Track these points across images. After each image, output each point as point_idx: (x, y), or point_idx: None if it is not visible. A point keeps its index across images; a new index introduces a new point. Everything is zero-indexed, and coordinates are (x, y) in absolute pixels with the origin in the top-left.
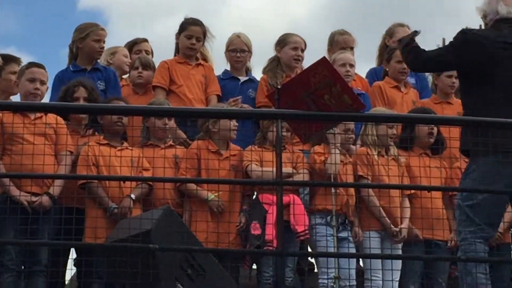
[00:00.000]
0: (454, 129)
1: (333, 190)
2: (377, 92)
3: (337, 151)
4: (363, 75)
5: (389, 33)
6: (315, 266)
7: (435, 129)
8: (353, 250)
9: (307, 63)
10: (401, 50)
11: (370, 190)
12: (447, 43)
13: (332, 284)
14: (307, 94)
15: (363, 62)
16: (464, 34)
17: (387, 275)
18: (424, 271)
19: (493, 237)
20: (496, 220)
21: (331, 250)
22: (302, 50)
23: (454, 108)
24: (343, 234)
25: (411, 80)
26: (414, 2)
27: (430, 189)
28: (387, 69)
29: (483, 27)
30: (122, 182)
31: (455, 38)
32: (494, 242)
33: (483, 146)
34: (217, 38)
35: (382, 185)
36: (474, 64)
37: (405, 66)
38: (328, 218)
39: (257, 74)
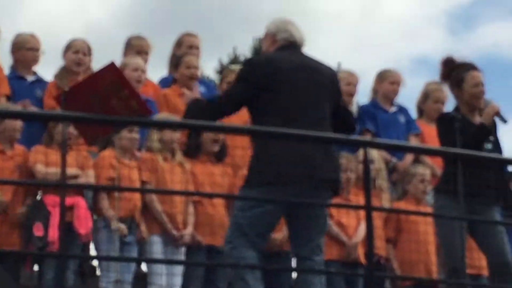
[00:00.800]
0: (239, 137)
1: (116, 194)
2: (162, 100)
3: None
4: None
5: (178, 43)
6: (97, 269)
7: (220, 136)
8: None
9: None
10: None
11: (153, 195)
12: (238, 51)
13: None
14: (94, 98)
15: (161, 67)
16: (248, 62)
17: (168, 280)
18: (206, 276)
19: (263, 247)
20: (268, 232)
21: (114, 253)
22: (84, 54)
23: (241, 116)
24: (129, 238)
25: (201, 89)
26: (210, 11)
27: (212, 195)
28: (175, 77)
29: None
30: None
31: (240, 70)
32: (273, 249)
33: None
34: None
35: (165, 190)
36: (261, 87)
37: (192, 71)
38: (113, 222)
39: (48, 75)
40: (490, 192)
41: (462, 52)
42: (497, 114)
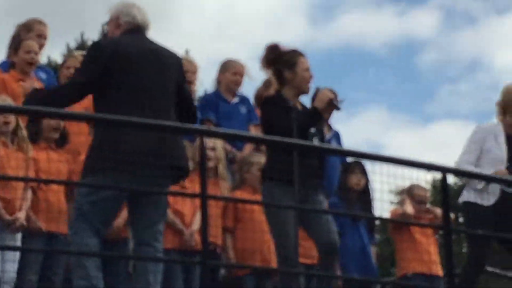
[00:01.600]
0: (77, 123)
1: None
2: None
3: None
4: None
5: (27, 27)
6: None
7: (61, 123)
8: None
9: None
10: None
11: None
12: (85, 36)
13: None
14: None
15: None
16: (96, 45)
17: (4, 266)
18: (43, 263)
19: (105, 234)
20: (110, 218)
21: None
22: None
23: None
24: None
25: (42, 75)
26: None
27: (49, 182)
28: (14, 61)
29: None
30: None
31: (87, 53)
32: (111, 237)
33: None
34: None
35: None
36: (108, 70)
37: (32, 56)
38: None
39: None
40: (314, 178)
41: (322, 41)
42: (331, 100)
